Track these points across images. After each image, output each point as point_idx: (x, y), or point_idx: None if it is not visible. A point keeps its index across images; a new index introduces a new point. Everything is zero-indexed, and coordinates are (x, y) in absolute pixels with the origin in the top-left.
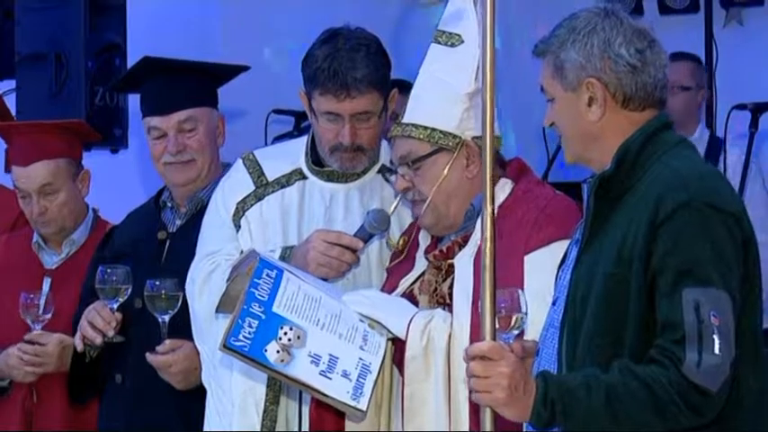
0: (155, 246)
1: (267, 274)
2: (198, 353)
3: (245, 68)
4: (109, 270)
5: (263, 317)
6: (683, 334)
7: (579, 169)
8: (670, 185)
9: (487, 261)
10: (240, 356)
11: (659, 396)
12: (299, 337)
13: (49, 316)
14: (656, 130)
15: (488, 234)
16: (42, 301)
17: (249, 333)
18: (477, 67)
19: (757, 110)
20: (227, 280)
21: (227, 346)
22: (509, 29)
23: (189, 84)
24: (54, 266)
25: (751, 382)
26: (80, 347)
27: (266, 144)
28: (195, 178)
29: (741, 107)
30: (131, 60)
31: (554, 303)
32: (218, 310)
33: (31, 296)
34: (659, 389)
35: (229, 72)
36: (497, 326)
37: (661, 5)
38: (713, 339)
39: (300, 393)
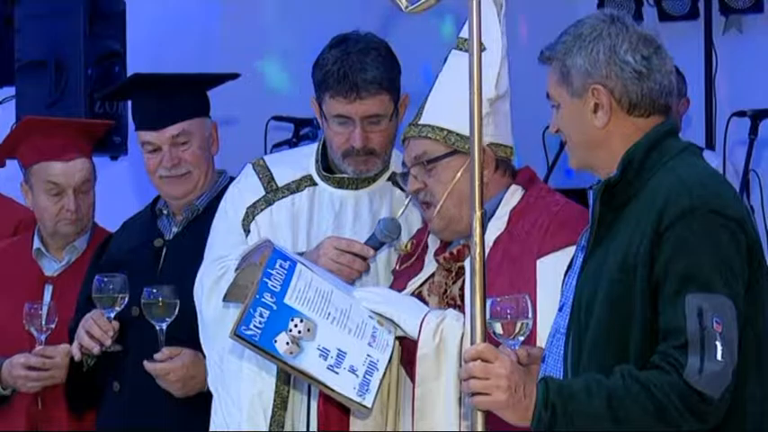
0: (151, 253)
1: (280, 265)
2: (196, 360)
3: (234, 76)
4: (106, 279)
5: (275, 307)
6: (685, 340)
7: (578, 176)
8: (674, 192)
9: (477, 265)
10: (250, 345)
11: (660, 401)
12: (309, 330)
13: (53, 325)
14: (662, 137)
15: (477, 239)
16: (45, 310)
17: (260, 323)
18: (499, 75)
19: (757, 116)
20: (236, 269)
21: (237, 334)
22: (506, 35)
23: (179, 97)
24: (55, 274)
25: (754, 389)
26: (77, 357)
27: (266, 151)
28: (192, 190)
29: (740, 114)
30: (131, 68)
31: (560, 309)
32: (225, 298)
33: (35, 306)
34: (660, 394)
35: (219, 80)
36: (502, 332)
37: (661, 12)
38: (715, 346)
39: (309, 398)
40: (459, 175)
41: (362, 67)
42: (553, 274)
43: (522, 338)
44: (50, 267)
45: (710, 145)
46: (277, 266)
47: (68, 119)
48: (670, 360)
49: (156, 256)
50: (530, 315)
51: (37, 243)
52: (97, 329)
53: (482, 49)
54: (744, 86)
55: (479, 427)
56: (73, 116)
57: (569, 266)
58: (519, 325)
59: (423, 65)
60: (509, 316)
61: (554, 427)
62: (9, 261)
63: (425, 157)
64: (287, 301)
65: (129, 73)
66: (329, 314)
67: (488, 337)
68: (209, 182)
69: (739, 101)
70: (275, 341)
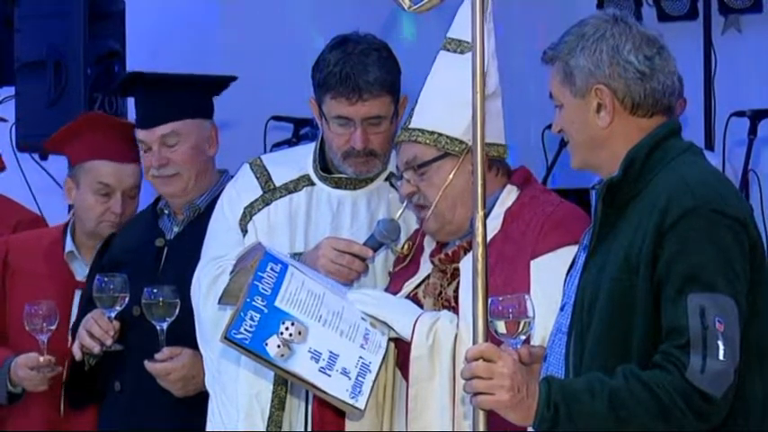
0: (152, 253)
1: (272, 268)
2: (197, 360)
3: (232, 79)
4: (106, 279)
5: (266, 310)
6: (687, 339)
7: (577, 176)
8: (676, 192)
9: (479, 266)
10: (240, 349)
11: (663, 401)
12: (300, 333)
13: (53, 327)
14: (664, 137)
15: (479, 239)
16: (44, 311)
17: (251, 326)
18: (486, 75)
19: (756, 116)
20: (231, 272)
21: (227, 338)
22: (504, 35)
23: (172, 97)
24: (85, 279)
25: (757, 388)
26: (78, 356)
27: (265, 151)
28: (182, 191)
29: (740, 114)
30: (131, 67)
31: (562, 309)
32: (220, 302)
33: (35, 307)
34: (663, 394)
35: (218, 83)
36: (504, 331)
37: (660, 12)
38: (718, 345)
39: (306, 399)
40: (450, 177)
41: (364, 68)
42: (547, 274)
43: (523, 337)
44: (82, 272)
45: (709, 145)
46: (268, 269)
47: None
48: (672, 359)
49: (158, 255)
50: (531, 314)
51: (70, 245)
52: (98, 329)
53: (468, 49)
54: (743, 86)
55: (481, 426)
56: (72, 116)
57: (571, 266)
58: (521, 324)
59: (423, 65)
60: (511, 315)
61: (556, 426)
62: (41, 259)
63: (416, 161)
64: (278, 304)
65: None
66: (321, 316)
67: (490, 336)
68: (207, 182)
69: (738, 101)
70: (266, 344)
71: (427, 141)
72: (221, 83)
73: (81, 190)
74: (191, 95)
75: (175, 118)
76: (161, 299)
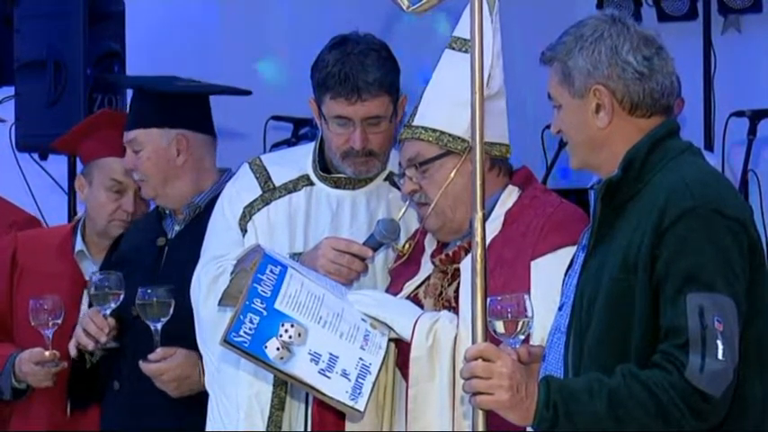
0: (154, 252)
1: (271, 270)
2: (191, 360)
3: (206, 93)
4: (102, 276)
5: (265, 313)
6: (686, 339)
7: (576, 176)
8: (675, 192)
9: (478, 266)
10: (240, 352)
11: (662, 400)
12: (299, 335)
13: (59, 321)
14: (663, 137)
15: (478, 239)
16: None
17: (250, 329)
18: (490, 74)
19: (755, 117)
20: (231, 273)
21: (227, 341)
22: (503, 35)
23: (136, 105)
24: None
25: (756, 388)
26: (74, 353)
27: (265, 151)
28: (152, 195)
29: (739, 114)
30: (130, 67)
31: (560, 308)
32: (220, 303)
33: (41, 301)
34: (662, 393)
35: (186, 96)
36: (503, 331)
37: (660, 12)
38: (717, 345)
39: (307, 399)
40: (452, 175)
41: (363, 68)
42: (547, 275)
43: (522, 337)
44: (91, 270)
45: (709, 145)
46: (267, 272)
47: None
48: (671, 359)
49: (159, 254)
50: (529, 314)
51: (80, 245)
52: (93, 326)
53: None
54: (742, 86)
55: (481, 426)
56: (72, 116)
57: (570, 266)
58: (520, 324)
59: (422, 65)
60: (509, 315)
61: (555, 426)
62: (50, 258)
63: (419, 158)
64: (277, 306)
65: (129, 73)
66: (321, 318)
67: (489, 336)
68: (206, 181)
69: (738, 101)
70: (266, 347)
71: (430, 139)
72: (190, 96)
73: (93, 187)
74: (153, 106)
75: (135, 126)
76: (155, 299)
